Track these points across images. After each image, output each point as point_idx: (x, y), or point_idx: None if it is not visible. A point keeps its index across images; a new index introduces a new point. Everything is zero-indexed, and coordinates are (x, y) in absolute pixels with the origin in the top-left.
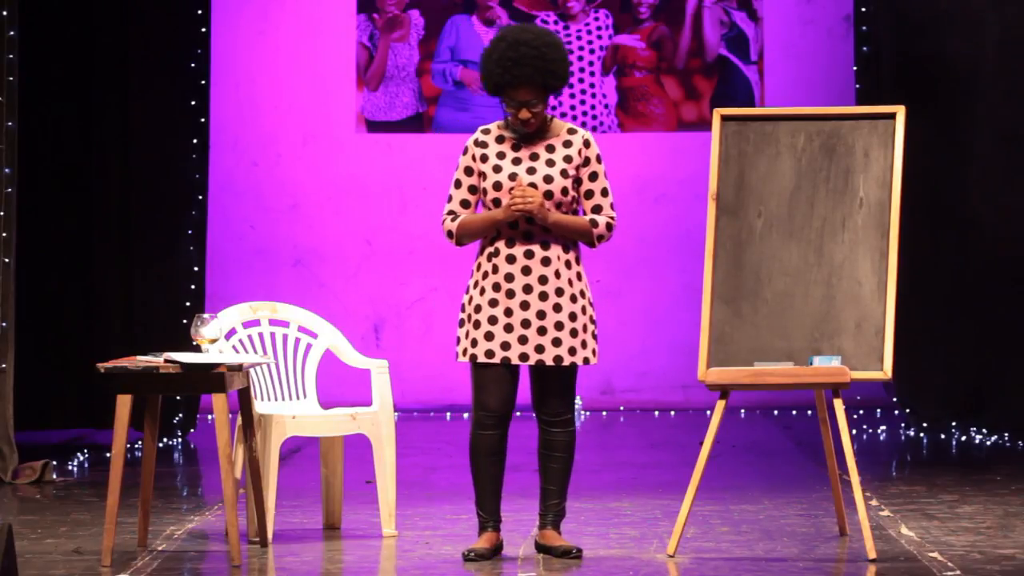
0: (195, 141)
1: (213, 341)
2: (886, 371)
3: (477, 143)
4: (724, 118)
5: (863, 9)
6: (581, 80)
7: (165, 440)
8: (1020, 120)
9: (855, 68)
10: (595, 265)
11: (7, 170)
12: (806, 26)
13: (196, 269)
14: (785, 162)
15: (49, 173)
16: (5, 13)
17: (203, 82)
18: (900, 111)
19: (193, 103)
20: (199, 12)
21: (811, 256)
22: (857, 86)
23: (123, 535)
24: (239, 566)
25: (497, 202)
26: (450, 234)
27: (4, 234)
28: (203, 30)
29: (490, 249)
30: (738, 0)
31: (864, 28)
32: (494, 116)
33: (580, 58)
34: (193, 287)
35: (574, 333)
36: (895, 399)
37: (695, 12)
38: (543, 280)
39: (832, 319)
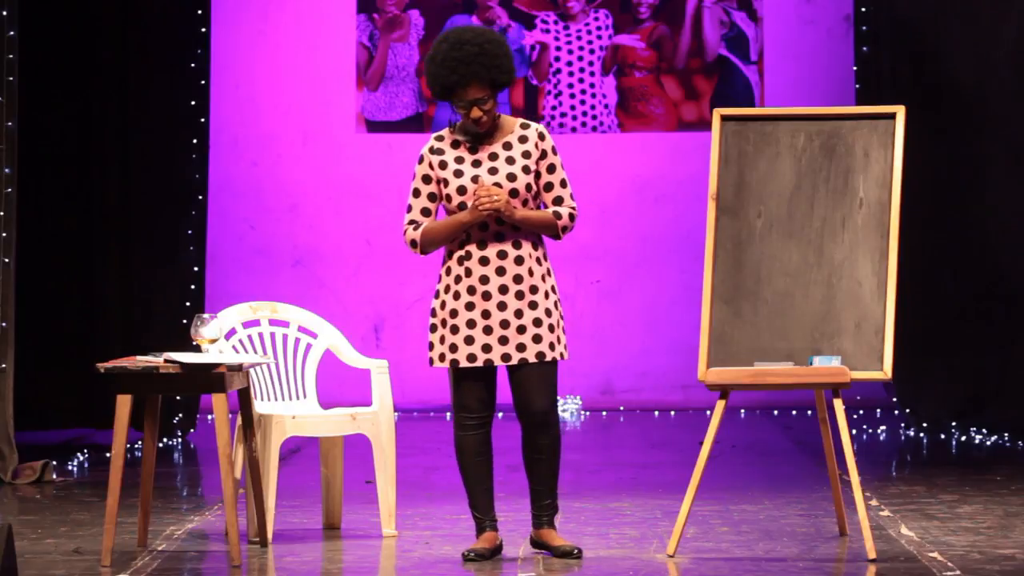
0: (195, 141)
1: (213, 341)
2: (886, 371)
3: (432, 151)
4: (724, 118)
5: (863, 9)
6: (581, 80)
7: (165, 440)
8: (1021, 119)
9: (855, 68)
10: (595, 265)
11: (7, 170)
12: (806, 26)
13: (196, 269)
14: (785, 162)
15: (49, 173)
16: (5, 13)
17: (203, 82)
18: (900, 111)
19: (193, 103)
20: (199, 12)
21: (811, 256)
22: (857, 86)
23: (123, 535)
24: (239, 566)
25: (463, 207)
26: (414, 244)
27: (4, 234)
28: (203, 30)
29: (460, 253)
30: (738, 0)
31: (864, 28)
32: None
33: (580, 58)
34: (193, 287)
35: (551, 329)
36: (895, 399)
37: (695, 12)
38: (518, 279)
39: (832, 319)
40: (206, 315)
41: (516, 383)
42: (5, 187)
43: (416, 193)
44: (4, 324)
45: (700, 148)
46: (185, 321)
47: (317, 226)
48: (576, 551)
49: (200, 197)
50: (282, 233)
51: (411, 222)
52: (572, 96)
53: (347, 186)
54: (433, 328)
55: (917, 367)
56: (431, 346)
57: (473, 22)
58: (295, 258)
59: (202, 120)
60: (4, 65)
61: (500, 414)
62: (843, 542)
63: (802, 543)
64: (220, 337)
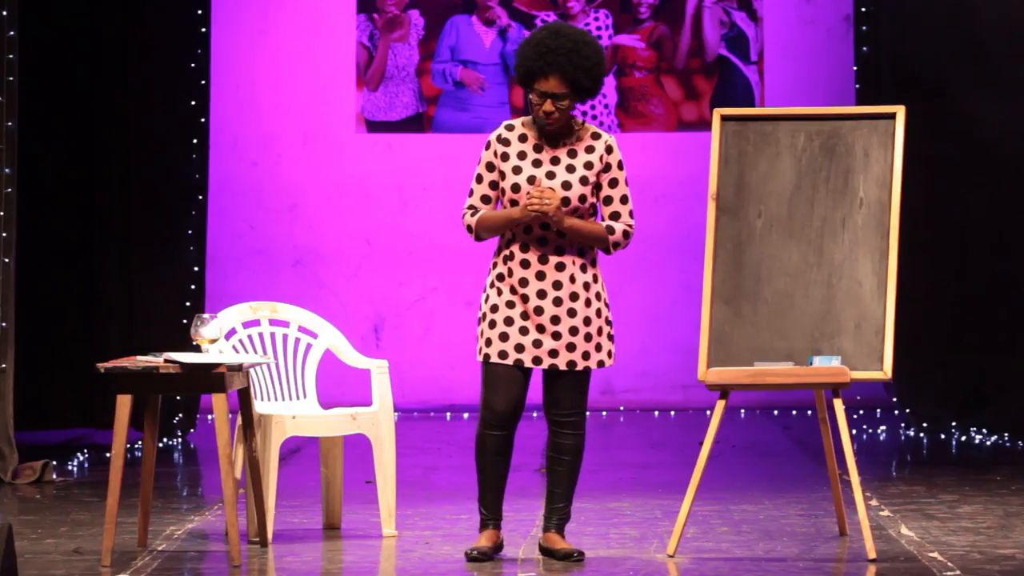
0: (195, 141)
1: (213, 341)
2: (886, 371)
3: (500, 139)
4: (724, 118)
5: (863, 9)
6: None
7: (165, 440)
8: (1021, 119)
9: (855, 68)
10: None
11: (7, 170)
12: (806, 26)
13: (196, 269)
14: (785, 162)
15: (49, 173)
16: (5, 13)
17: (203, 82)
18: (900, 111)
19: (193, 103)
20: (199, 12)
21: (811, 256)
22: (857, 86)
23: (123, 535)
24: (239, 566)
25: (515, 203)
26: (470, 228)
27: (4, 234)
28: (203, 30)
29: (505, 252)
30: (738, 0)
31: (864, 28)
32: (494, 117)
33: None
34: (193, 287)
35: (588, 337)
36: (895, 399)
37: (695, 12)
38: (557, 285)
39: (832, 319)
40: (206, 315)
41: (548, 383)
42: (5, 187)
43: (479, 179)
44: (4, 324)
45: (700, 148)
46: (185, 321)
47: (317, 226)
48: (577, 554)
49: (200, 197)
50: (282, 233)
51: (470, 207)
52: None
53: (347, 186)
54: (480, 320)
55: (917, 367)
56: (478, 337)
57: (473, 22)
58: (295, 258)
59: (202, 120)
60: (4, 65)
61: None
62: (843, 542)
63: (802, 543)
64: (220, 337)
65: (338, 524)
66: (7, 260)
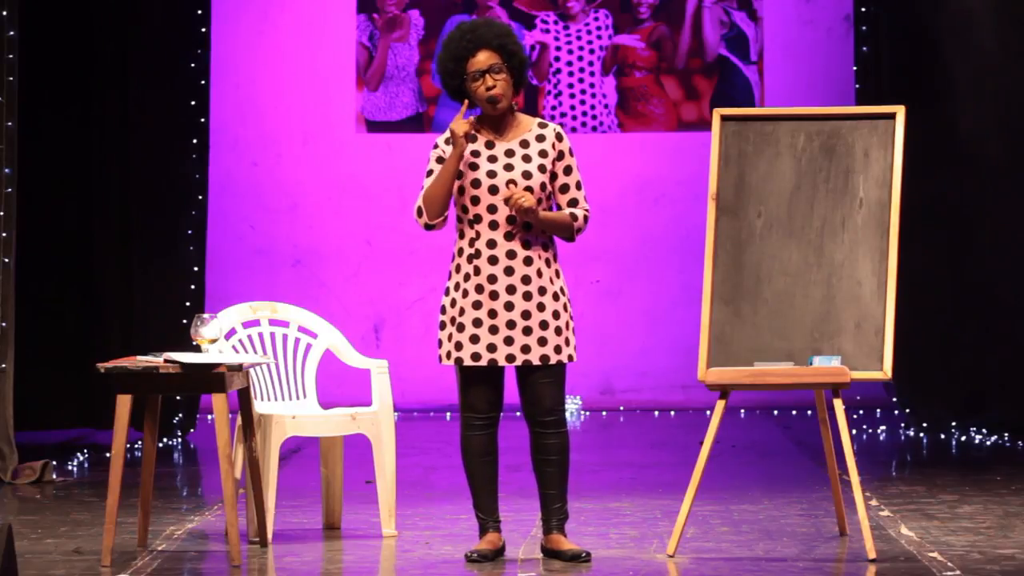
0: (195, 141)
1: (213, 341)
2: (886, 371)
3: (448, 141)
4: (724, 118)
5: (863, 9)
6: (581, 80)
7: (165, 440)
8: (1020, 119)
9: (855, 68)
10: (595, 265)
11: (7, 170)
12: (806, 26)
13: (196, 269)
14: (785, 162)
15: (49, 173)
16: (5, 13)
17: (203, 82)
18: (900, 111)
19: (193, 103)
20: (199, 12)
21: (811, 256)
22: (857, 86)
23: (123, 535)
24: (239, 566)
25: (475, 200)
26: (419, 212)
27: (4, 234)
28: (203, 30)
29: (470, 251)
30: (738, 0)
31: (864, 28)
32: None
33: (580, 58)
34: (193, 287)
35: (559, 331)
36: (895, 399)
37: (695, 12)
38: (526, 280)
39: (832, 319)
40: (206, 315)
41: (524, 384)
42: (5, 187)
43: (430, 173)
44: (4, 324)
45: (700, 148)
46: (185, 321)
47: (317, 226)
48: (585, 555)
49: (200, 197)
50: (282, 233)
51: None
52: (572, 96)
53: (347, 186)
54: (442, 325)
55: (917, 367)
56: (440, 343)
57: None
58: (295, 258)
59: (202, 120)
60: (4, 65)
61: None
62: (843, 542)
63: (802, 543)
64: (220, 337)
65: (338, 524)
66: (7, 260)
